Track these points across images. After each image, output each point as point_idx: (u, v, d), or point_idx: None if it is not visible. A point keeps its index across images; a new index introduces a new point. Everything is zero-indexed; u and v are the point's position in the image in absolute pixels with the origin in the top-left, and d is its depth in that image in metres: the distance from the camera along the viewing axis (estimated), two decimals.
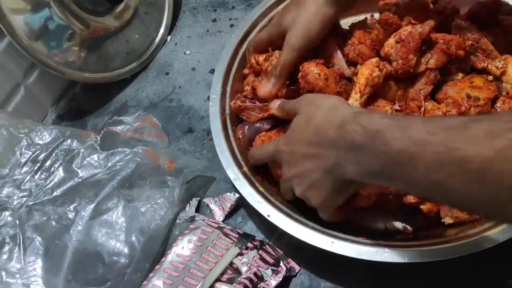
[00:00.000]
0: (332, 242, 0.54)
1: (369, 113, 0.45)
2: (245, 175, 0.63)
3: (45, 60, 0.77)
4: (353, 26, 0.68)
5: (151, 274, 0.61)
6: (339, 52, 0.65)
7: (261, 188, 0.62)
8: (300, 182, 0.53)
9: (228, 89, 0.72)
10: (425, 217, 0.57)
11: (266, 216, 0.58)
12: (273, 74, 0.64)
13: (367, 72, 0.58)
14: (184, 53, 0.91)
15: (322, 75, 0.60)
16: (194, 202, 0.70)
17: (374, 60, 0.59)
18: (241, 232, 0.64)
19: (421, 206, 0.56)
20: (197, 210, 0.69)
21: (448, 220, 0.55)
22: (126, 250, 0.63)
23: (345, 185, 0.50)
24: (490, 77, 0.58)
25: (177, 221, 0.69)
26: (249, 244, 0.62)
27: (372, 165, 0.43)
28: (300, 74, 0.61)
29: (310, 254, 0.60)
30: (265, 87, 0.65)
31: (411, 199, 0.56)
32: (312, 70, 0.60)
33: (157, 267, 0.61)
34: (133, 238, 0.64)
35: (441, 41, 0.58)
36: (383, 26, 0.62)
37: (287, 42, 0.63)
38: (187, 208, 0.69)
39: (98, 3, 0.83)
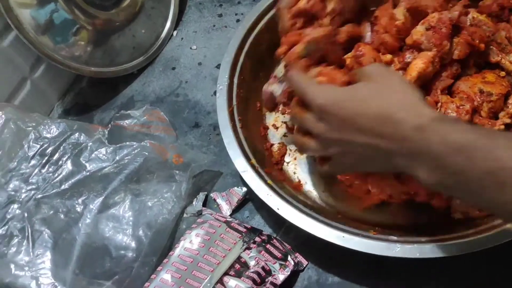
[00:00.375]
0: (343, 236, 0.54)
1: (450, 123, 0.42)
2: (253, 167, 0.62)
3: (52, 54, 0.77)
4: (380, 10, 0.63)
5: (159, 268, 0.61)
6: (368, 35, 0.61)
7: (269, 181, 0.61)
8: (340, 158, 0.50)
9: (235, 80, 0.71)
10: (435, 212, 0.57)
11: (275, 209, 0.58)
12: None
13: (422, 65, 0.55)
14: (191, 48, 0.91)
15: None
16: (201, 196, 0.70)
17: (430, 53, 0.55)
18: (249, 226, 0.65)
19: (432, 202, 0.55)
20: (204, 204, 0.69)
21: (458, 216, 0.55)
22: (133, 244, 0.63)
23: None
24: (502, 73, 0.57)
25: (184, 215, 0.69)
26: (257, 239, 0.62)
27: (445, 178, 0.41)
28: (353, 53, 0.58)
29: (317, 248, 0.60)
30: None
31: (422, 196, 0.55)
32: (369, 53, 0.57)
33: (165, 260, 0.61)
34: (140, 232, 0.64)
35: (465, 32, 0.56)
36: (412, 14, 0.59)
37: None
38: (194, 202, 0.69)
39: None
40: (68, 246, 0.61)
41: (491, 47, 0.58)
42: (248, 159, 0.63)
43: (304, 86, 0.51)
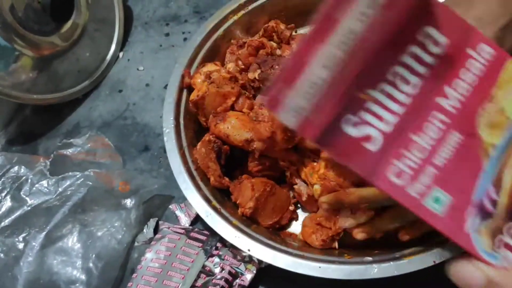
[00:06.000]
0: (320, 267, 0.52)
1: None
2: (215, 209, 0.59)
3: None
4: None
5: None
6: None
7: (234, 221, 0.58)
8: None
9: (182, 121, 0.67)
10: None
11: (246, 250, 0.55)
12: None
13: None
14: (137, 69, 0.89)
15: None
16: (152, 222, 0.68)
17: None
18: (208, 233, 0.63)
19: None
20: (155, 231, 0.67)
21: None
22: (83, 277, 0.61)
23: None
24: None
25: (135, 243, 0.67)
26: (218, 244, 0.62)
27: None
28: None
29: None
30: None
31: None
32: None
33: (129, 284, 0.60)
34: (90, 264, 0.62)
35: None
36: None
37: None
38: (145, 230, 0.67)
39: (43, 23, 0.81)
40: (9, 287, 0.58)
41: None
42: (208, 201, 0.60)
43: None
